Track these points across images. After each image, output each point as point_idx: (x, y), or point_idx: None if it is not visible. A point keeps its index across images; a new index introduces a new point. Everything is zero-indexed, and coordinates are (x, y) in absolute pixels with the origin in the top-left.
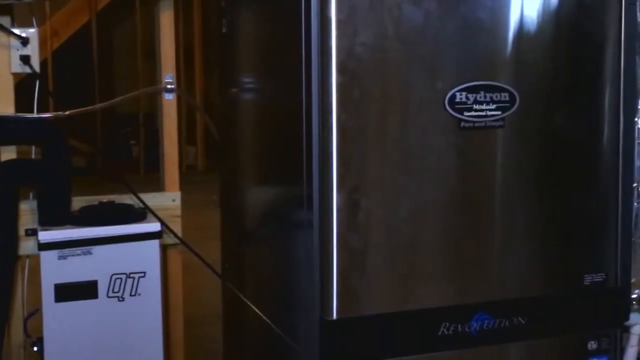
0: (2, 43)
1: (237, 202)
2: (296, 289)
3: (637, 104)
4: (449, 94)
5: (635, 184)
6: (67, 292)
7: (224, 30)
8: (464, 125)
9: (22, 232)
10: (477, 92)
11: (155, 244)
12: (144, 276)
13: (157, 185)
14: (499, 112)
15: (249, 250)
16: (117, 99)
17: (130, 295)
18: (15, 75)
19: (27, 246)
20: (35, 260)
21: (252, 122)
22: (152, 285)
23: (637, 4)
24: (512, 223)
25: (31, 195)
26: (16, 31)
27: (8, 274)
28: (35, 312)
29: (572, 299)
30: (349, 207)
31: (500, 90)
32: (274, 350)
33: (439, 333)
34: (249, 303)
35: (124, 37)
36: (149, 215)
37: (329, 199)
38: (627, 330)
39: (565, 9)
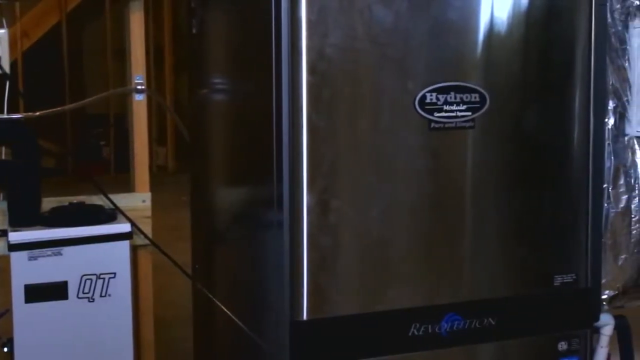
0: None
1: (208, 203)
2: (266, 290)
3: (607, 105)
4: (419, 95)
5: (605, 185)
6: (37, 292)
7: (194, 30)
8: (434, 126)
9: None
10: (448, 93)
11: (125, 244)
12: (114, 277)
13: (127, 186)
14: (469, 113)
15: (219, 251)
16: (87, 100)
17: (101, 296)
18: None
19: None
20: (5, 261)
21: (223, 123)
22: (122, 286)
23: (607, 4)
24: (483, 224)
25: (1, 196)
26: None
27: None
28: (5, 312)
29: (542, 299)
30: (320, 208)
31: (471, 91)
32: (245, 351)
33: (410, 334)
34: (219, 304)
35: (94, 38)
36: (119, 216)
37: (299, 199)
38: (597, 331)
39: (536, 9)
